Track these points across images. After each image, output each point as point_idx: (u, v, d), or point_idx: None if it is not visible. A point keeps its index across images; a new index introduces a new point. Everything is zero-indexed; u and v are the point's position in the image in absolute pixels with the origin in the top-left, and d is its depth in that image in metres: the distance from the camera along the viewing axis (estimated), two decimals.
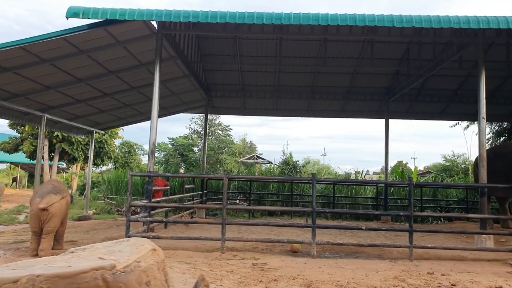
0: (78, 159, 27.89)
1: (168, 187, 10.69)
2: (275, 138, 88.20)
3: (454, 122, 18.07)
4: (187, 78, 12.65)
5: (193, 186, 13.80)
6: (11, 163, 41.97)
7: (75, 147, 26.45)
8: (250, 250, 7.60)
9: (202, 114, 25.20)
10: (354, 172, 25.72)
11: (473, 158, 32.47)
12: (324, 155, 48.24)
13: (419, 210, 15.32)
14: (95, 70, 10.08)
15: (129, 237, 7.15)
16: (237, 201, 16.77)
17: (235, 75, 14.70)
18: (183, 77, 12.46)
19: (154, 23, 8.53)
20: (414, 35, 10.05)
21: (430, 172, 40.84)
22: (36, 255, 6.77)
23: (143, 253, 2.65)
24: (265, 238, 7.77)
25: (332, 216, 15.20)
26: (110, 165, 34.12)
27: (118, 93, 12.18)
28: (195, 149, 22.11)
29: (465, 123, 18.17)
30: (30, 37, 7.72)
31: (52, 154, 26.14)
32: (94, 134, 15.30)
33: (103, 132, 18.40)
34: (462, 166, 37.27)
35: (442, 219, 14.93)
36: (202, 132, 24.65)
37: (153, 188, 10.07)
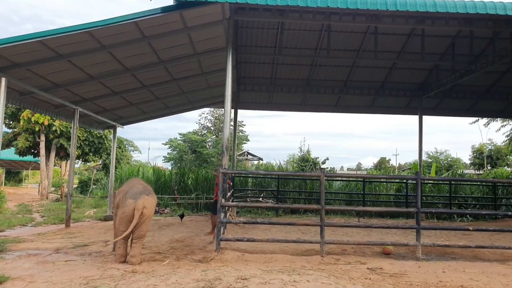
0: None
1: (230, 184, 10.13)
2: (250, 135, 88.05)
3: (474, 119, 18.13)
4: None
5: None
6: None
7: None
8: (342, 253, 7.13)
9: (210, 109, 24.58)
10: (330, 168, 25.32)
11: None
12: (300, 152, 47.99)
13: (445, 207, 15.31)
14: (147, 59, 9.33)
15: (221, 240, 6.58)
16: (260, 199, 16.23)
17: (267, 68, 14.14)
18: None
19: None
20: (462, 25, 9.44)
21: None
22: (124, 261, 6.10)
23: None
24: (368, 241, 7.33)
25: (358, 214, 14.93)
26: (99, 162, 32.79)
27: (156, 85, 11.44)
28: (206, 145, 21.35)
29: (484, 120, 18.25)
30: (100, 21, 6.97)
31: (36, 149, 24.74)
32: (117, 129, 14.37)
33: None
34: (445, 162, 38.09)
35: (468, 216, 14.88)
36: (212, 128, 23.93)
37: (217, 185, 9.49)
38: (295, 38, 12.48)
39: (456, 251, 7.60)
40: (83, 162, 32.87)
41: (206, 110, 23.84)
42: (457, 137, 76.83)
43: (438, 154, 44.09)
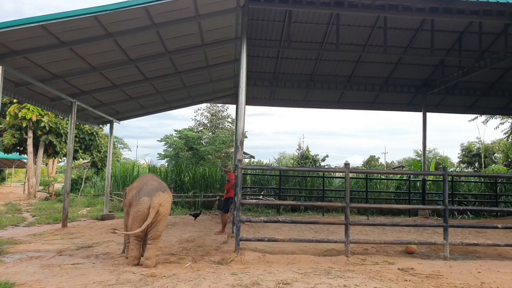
0: (60, 152, 25.86)
1: None
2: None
3: (473, 116, 18.04)
4: (234, 64, 11.57)
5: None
6: None
7: (63, 140, 24.33)
8: (364, 253, 6.79)
9: (207, 105, 24.06)
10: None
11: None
12: (298, 150, 47.90)
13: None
14: (153, 49, 8.84)
15: (241, 240, 6.17)
16: (260, 197, 15.84)
17: (271, 62, 13.75)
18: (232, 62, 11.36)
19: None
20: (480, 17, 9.01)
21: (403, 166, 41.91)
22: (138, 264, 5.63)
23: None
24: (393, 240, 7.01)
25: (358, 211, 14.68)
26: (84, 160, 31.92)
27: (158, 78, 10.93)
28: (203, 142, 20.80)
29: (483, 117, 18.18)
30: (109, 5, 6.48)
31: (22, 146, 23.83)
32: (114, 124, 13.76)
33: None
34: (433, 160, 38.47)
35: (468, 213, 14.78)
36: (209, 125, 23.38)
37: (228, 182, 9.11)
38: (302, 31, 12.13)
39: (478, 250, 7.33)
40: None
41: (203, 106, 23.36)
42: (445, 135, 77.46)
43: (427, 152, 44.42)
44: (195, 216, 10.90)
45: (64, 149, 24.48)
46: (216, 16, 7.95)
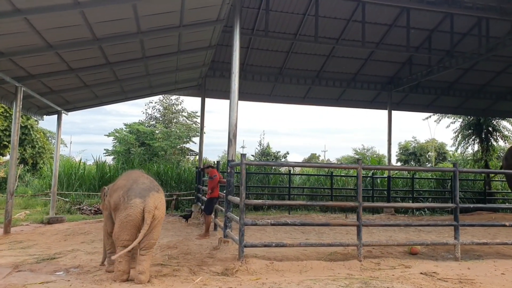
0: None
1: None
2: (192, 130, 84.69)
3: (427, 115, 18.63)
4: (207, 51, 10.61)
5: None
6: None
7: None
8: (370, 256, 6.28)
9: (160, 98, 22.51)
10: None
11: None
12: (243, 147, 47.73)
13: (403, 200, 15.36)
14: (125, 27, 7.64)
15: (245, 246, 5.37)
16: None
17: (240, 52, 12.84)
18: (205, 49, 10.39)
19: None
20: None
21: None
22: (127, 280, 4.61)
23: None
24: (409, 241, 6.57)
25: (320, 209, 14.39)
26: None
27: (122, 63, 9.66)
28: (156, 137, 19.31)
29: (435, 116, 18.84)
30: None
31: None
32: (62, 115, 12.13)
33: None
34: (370, 158, 40.24)
35: (426, 210, 15.06)
36: (161, 119, 21.85)
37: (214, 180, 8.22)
38: (277, 20, 11.52)
39: (475, 248, 7.17)
40: None
41: (155, 99, 21.80)
42: (380, 134, 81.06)
43: (365, 150, 46.22)
44: (186, 218, 9.77)
45: None
46: None
